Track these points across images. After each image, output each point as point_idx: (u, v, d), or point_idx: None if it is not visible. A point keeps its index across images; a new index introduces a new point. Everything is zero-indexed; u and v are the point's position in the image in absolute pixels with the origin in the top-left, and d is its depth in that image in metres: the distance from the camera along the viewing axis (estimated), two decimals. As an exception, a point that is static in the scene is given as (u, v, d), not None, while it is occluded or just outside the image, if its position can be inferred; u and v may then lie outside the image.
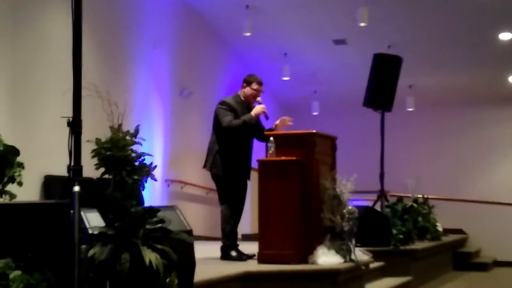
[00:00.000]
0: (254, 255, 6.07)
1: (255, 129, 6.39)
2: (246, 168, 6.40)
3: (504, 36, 11.06)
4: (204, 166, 6.45)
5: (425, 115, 13.43)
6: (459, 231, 12.60)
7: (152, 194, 9.16)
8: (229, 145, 6.29)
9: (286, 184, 5.88)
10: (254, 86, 6.41)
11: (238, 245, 6.30)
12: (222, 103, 6.35)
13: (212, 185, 6.57)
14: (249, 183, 6.54)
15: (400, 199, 9.59)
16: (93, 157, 4.03)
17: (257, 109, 6.31)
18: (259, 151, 6.54)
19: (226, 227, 6.27)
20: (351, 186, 6.03)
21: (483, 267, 11.29)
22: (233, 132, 6.23)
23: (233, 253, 6.18)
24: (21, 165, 3.31)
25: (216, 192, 6.46)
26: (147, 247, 3.47)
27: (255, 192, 6.24)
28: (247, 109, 6.41)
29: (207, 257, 6.21)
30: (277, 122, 6.42)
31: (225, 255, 6.23)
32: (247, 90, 6.42)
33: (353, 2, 10.09)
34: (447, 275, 10.20)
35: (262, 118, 6.49)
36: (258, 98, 6.39)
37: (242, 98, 6.44)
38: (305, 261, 5.79)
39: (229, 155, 6.28)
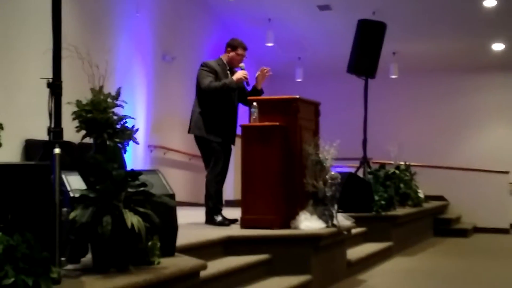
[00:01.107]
0: (237, 220, 6.09)
1: (242, 96, 6.34)
2: (230, 131, 6.35)
3: (488, 3, 11.02)
4: (189, 131, 6.40)
5: (409, 82, 13.44)
6: (440, 198, 12.70)
7: (135, 160, 9.12)
8: (211, 107, 6.24)
9: (269, 149, 5.87)
10: (240, 51, 6.37)
11: (221, 210, 6.29)
12: (204, 65, 6.32)
13: (195, 151, 6.53)
14: (233, 148, 6.52)
15: (382, 165, 9.63)
16: (74, 119, 3.98)
17: (239, 74, 6.25)
18: (243, 116, 6.50)
19: (210, 189, 6.25)
20: (334, 152, 6.03)
21: (463, 233, 11.42)
22: (212, 93, 6.18)
23: (218, 218, 6.17)
24: (0, 126, 3.25)
25: (200, 158, 6.43)
26: (129, 210, 3.45)
27: (238, 157, 6.23)
28: (229, 72, 6.37)
29: (190, 222, 6.21)
30: (258, 73, 6.36)
31: (209, 219, 6.23)
32: (232, 54, 6.37)
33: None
34: (428, 241, 10.32)
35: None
36: (242, 64, 6.35)
37: (225, 62, 6.39)
38: (287, 226, 5.81)
39: (211, 117, 6.23)
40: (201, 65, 6.34)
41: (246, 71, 6.29)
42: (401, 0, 11.13)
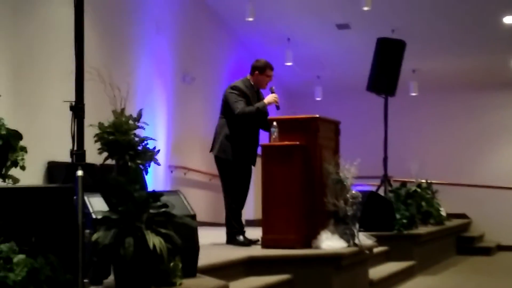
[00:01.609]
0: (258, 240, 6.08)
1: (261, 120, 6.35)
2: (253, 153, 6.37)
3: (509, 19, 10.97)
4: (212, 150, 6.41)
5: (429, 99, 13.38)
6: (463, 216, 12.59)
7: (156, 180, 9.15)
8: (239, 131, 6.24)
9: (289, 168, 5.87)
10: (268, 72, 6.36)
11: (245, 231, 6.29)
12: (234, 87, 6.26)
13: (216, 171, 6.54)
14: (253, 168, 6.53)
15: (403, 184, 9.57)
16: (96, 141, 4.02)
17: (270, 98, 6.26)
18: (263, 135, 6.51)
19: (232, 213, 6.26)
20: (355, 171, 6.01)
21: (487, 251, 11.29)
22: (246, 119, 6.19)
23: (240, 238, 6.17)
24: (24, 149, 3.30)
25: (219, 178, 6.44)
26: (151, 231, 3.47)
27: (258, 177, 6.23)
28: (256, 93, 6.38)
29: (211, 243, 6.21)
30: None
31: (231, 240, 6.24)
32: (261, 77, 6.34)
33: (356, -14, 10.03)
34: (451, 260, 10.21)
35: (270, 108, 6.43)
36: (272, 87, 6.35)
37: (252, 83, 6.38)
38: (308, 245, 5.79)
39: (238, 140, 6.23)
40: (231, 88, 6.28)
41: (277, 94, 6.30)
42: (420, 18, 11.12)
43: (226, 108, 6.28)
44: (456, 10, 10.84)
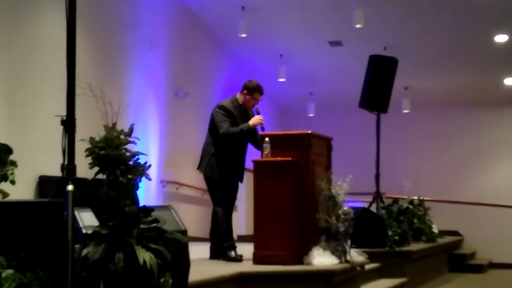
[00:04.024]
0: (242, 256, 6.10)
1: (251, 137, 6.37)
2: (240, 170, 6.40)
3: (500, 38, 11.06)
4: (199, 168, 6.44)
5: (421, 117, 13.44)
6: (455, 233, 12.60)
7: (148, 195, 9.13)
8: (225, 149, 6.28)
9: (281, 184, 5.86)
10: (256, 96, 6.38)
11: (236, 246, 6.29)
12: (220, 107, 6.30)
13: (207, 186, 6.56)
14: (243, 184, 6.58)
15: (395, 200, 9.55)
16: (87, 156, 4.00)
17: (255, 120, 6.27)
18: (255, 151, 6.52)
19: (222, 228, 6.27)
20: (347, 187, 6.01)
21: (479, 269, 11.29)
22: (230, 139, 6.22)
23: (231, 254, 6.17)
24: (14, 164, 3.29)
25: (209, 195, 6.48)
26: (141, 246, 3.45)
27: (250, 192, 6.23)
28: (244, 113, 6.39)
29: (202, 258, 6.19)
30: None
31: (218, 255, 6.23)
32: (248, 98, 6.36)
33: (349, 3, 10.10)
34: (443, 277, 10.20)
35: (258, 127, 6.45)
36: (258, 108, 6.37)
37: (240, 103, 6.40)
38: (300, 261, 5.77)
39: (225, 159, 6.28)
40: (218, 107, 6.31)
41: (262, 116, 6.31)
42: (412, 35, 11.20)
43: (213, 127, 6.32)
44: (448, 29, 10.92)
